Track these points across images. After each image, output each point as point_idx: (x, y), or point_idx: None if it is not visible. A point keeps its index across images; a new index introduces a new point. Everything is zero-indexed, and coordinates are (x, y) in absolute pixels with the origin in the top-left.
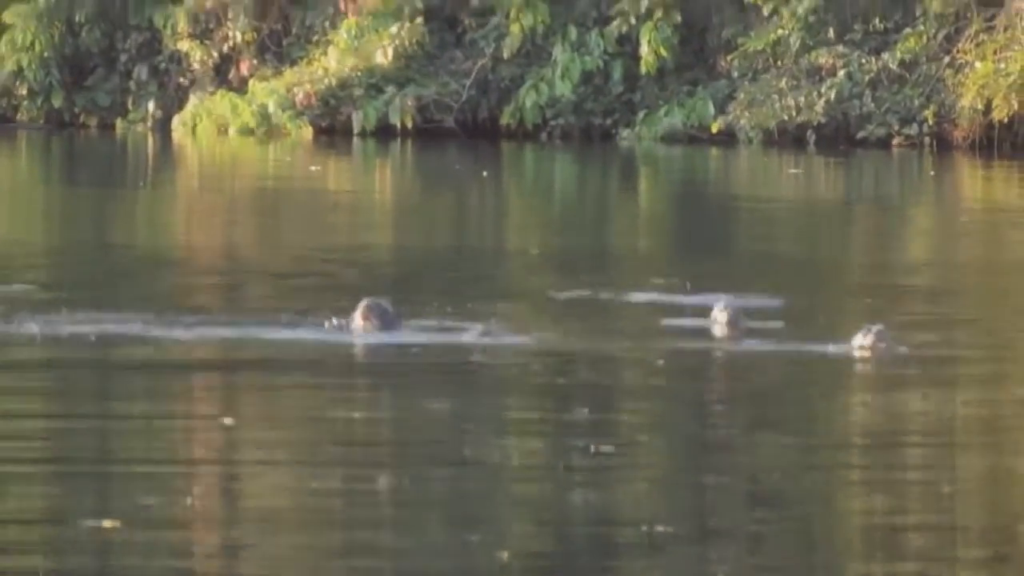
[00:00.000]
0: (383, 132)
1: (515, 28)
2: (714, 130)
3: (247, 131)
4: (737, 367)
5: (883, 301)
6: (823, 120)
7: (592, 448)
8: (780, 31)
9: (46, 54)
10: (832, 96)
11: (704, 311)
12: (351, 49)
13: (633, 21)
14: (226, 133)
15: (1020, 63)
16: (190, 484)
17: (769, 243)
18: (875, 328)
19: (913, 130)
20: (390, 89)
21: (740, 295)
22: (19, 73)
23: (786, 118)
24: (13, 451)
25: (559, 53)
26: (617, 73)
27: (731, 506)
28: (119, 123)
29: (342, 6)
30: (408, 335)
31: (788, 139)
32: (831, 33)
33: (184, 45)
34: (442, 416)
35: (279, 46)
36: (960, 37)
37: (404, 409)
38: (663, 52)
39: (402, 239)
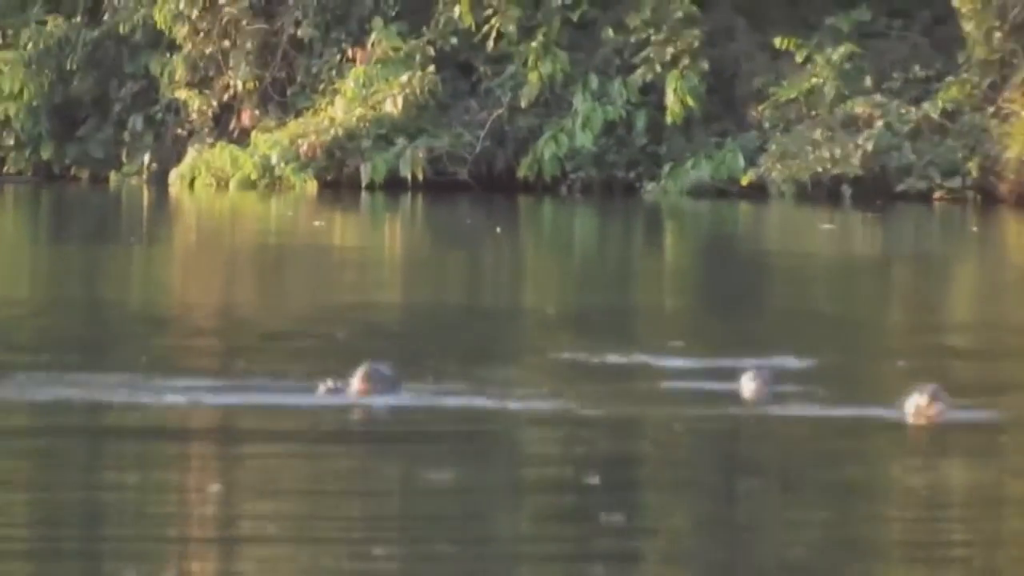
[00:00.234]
0: (392, 185)
1: (533, 76)
2: (744, 183)
3: (248, 184)
4: (764, 432)
5: (921, 362)
6: (860, 173)
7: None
8: (814, 79)
9: (35, 103)
10: (869, 147)
11: (732, 374)
12: (359, 98)
13: (658, 69)
14: (226, 187)
15: None
16: (177, 560)
17: (802, 302)
18: (930, 388)
19: (956, 183)
20: (400, 140)
21: (771, 357)
22: (6, 123)
23: (820, 170)
24: None
25: (579, 102)
26: (641, 123)
27: None
28: (113, 176)
29: (350, 53)
30: (408, 399)
31: (822, 193)
32: (868, 81)
33: (182, 94)
34: (444, 487)
35: (283, 95)
36: (1006, 85)
37: (404, 480)
38: (690, 101)
39: (410, 298)
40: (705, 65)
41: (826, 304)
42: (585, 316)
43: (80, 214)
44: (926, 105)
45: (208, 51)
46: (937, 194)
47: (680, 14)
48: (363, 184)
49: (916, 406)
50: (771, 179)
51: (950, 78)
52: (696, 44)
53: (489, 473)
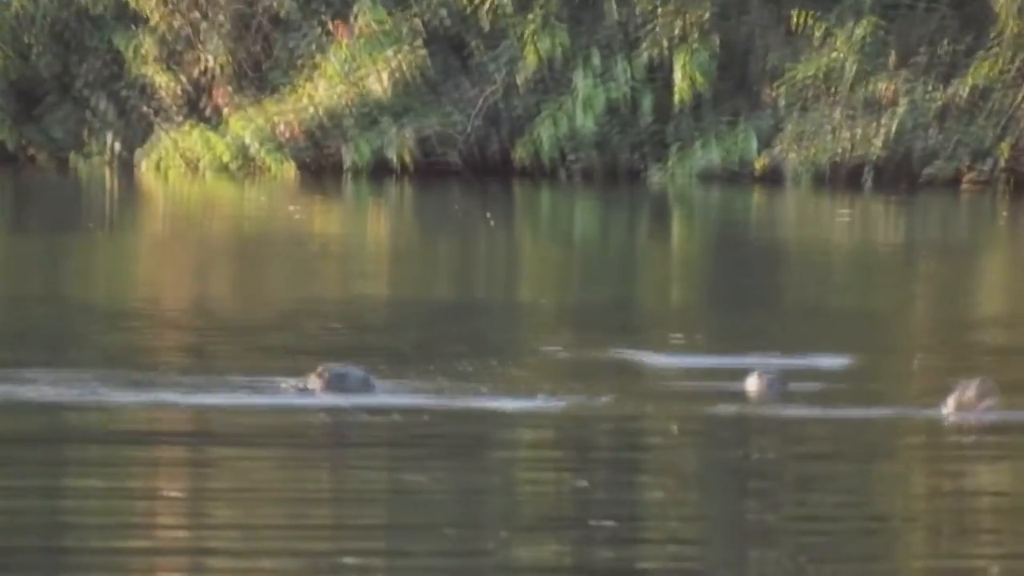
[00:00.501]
0: (377, 170)
1: (530, 52)
2: (757, 168)
3: (221, 168)
4: (774, 432)
5: (946, 360)
6: (882, 156)
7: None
8: (833, 56)
9: None
10: (893, 129)
11: (739, 373)
12: (342, 76)
13: (665, 45)
14: (197, 170)
15: None
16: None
17: (819, 295)
18: (975, 382)
19: (985, 167)
20: (386, 121)
21: (786, 354)
22: None
23: (840, 154)
24: None
25: (580, 81)
26: (646, 104)
27: None
28: (73, 157)
29: (332, 28)
30: (382, 399)
31: (842, 178)
32: (892, 59)
33: (150, 71)
34: (423, 489)
35: (258, 73)
36: None
37: (377, 482)
38: (699, 80)
39: (394, 291)
40: (716, 41)
41: (845, 298)
42: (584, 310)
43: (39, 200)
44: (954, 84)
45: (178, 25)
46: (965, 179)
47: None
48: (345, 168)
49: (960, 400)
50: (787, 164)
51: (980, 54)
52: (706, 18)
53: (469, 476)
